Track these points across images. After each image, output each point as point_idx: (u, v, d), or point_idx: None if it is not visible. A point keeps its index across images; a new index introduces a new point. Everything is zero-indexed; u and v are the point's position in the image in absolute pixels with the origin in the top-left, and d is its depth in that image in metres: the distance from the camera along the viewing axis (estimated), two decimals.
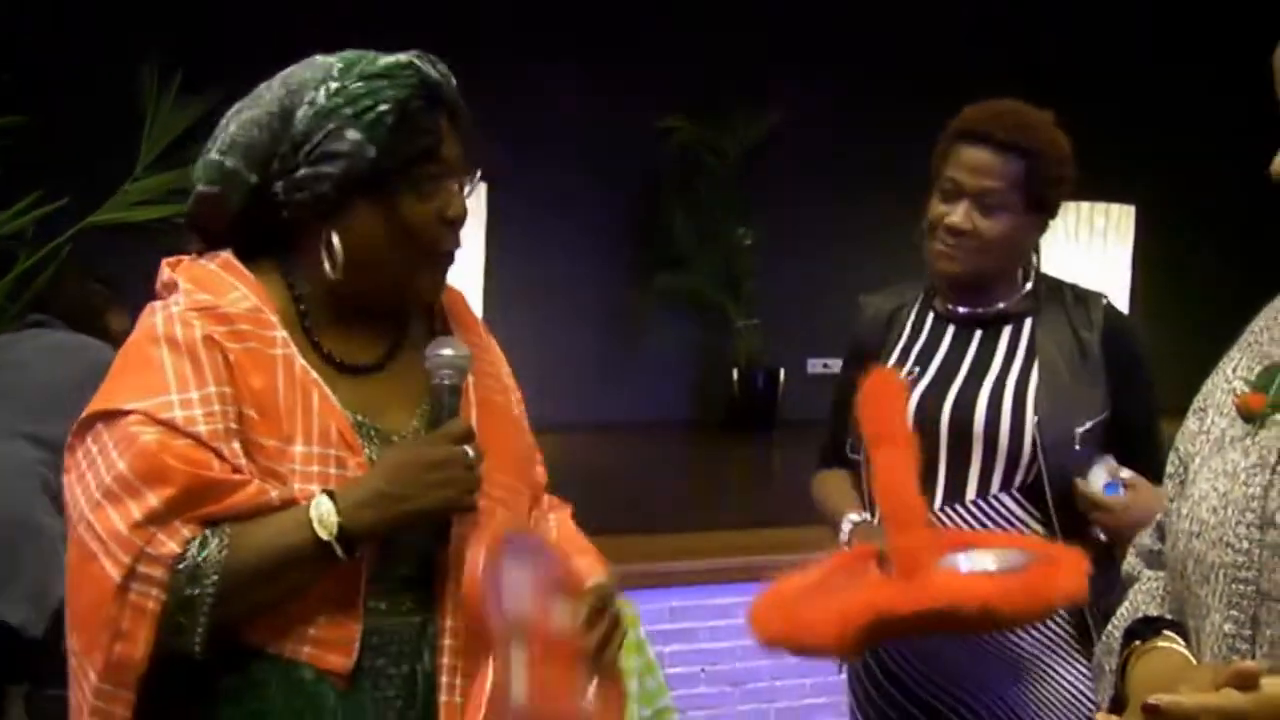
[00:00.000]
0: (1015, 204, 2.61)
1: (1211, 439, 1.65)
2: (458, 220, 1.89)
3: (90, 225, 4.46)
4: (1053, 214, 2.70)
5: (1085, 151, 2.67)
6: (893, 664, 2.68)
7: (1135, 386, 2.69)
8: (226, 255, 1.90)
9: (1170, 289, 6.36)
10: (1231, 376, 1.66)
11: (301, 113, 1.82)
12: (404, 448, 1.84)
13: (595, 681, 1.90)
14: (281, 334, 1.84)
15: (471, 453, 1.81)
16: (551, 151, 5.69)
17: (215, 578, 1.70)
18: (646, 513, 4.66)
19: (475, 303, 4.07)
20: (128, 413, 1.74)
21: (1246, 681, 1.35)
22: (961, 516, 2.65)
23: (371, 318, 1.92)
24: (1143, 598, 1.78)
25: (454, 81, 1.90)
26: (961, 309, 2.74)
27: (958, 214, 2.63)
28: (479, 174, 1.94)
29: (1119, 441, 2.66)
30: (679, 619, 4.36)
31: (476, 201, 4.31)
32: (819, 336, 5.58)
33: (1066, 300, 2.74)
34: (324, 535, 1.73)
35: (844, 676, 2.86)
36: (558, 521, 2.15)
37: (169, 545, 1.70)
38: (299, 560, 1.73)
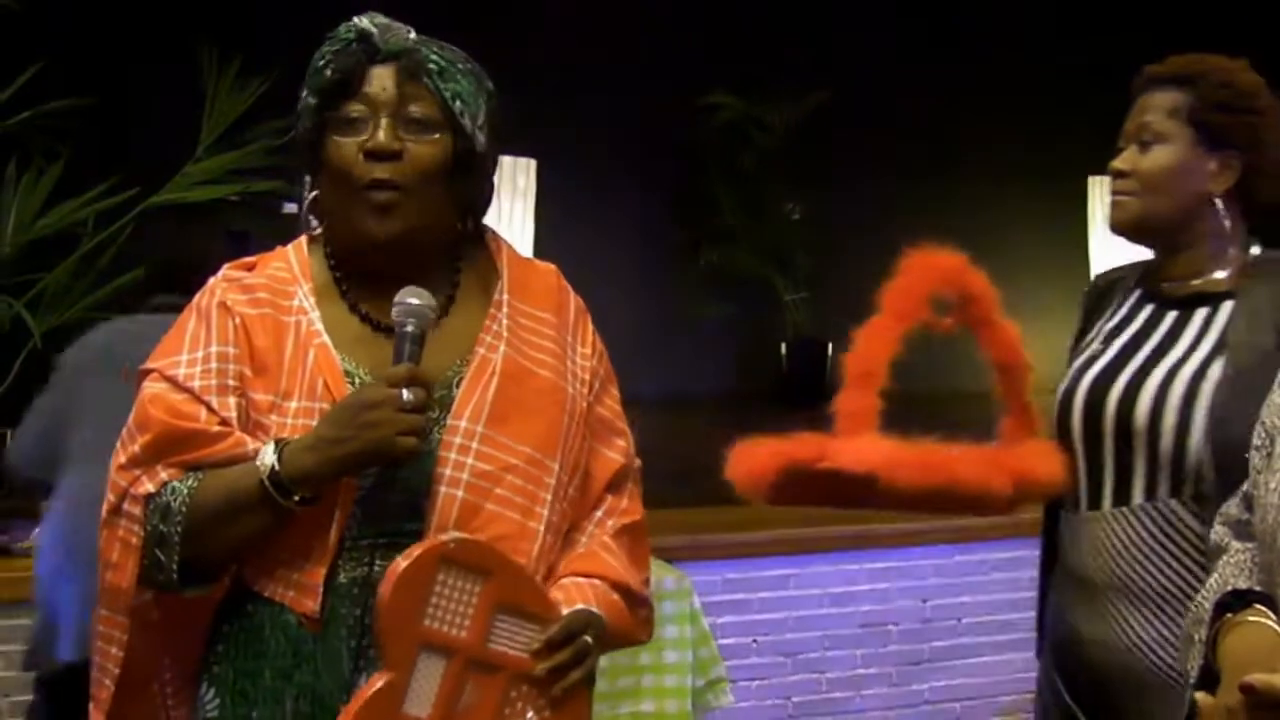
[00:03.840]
0: (1177, 133, 2.37)
1: None
2: (375, 151, 1.91)
3: (151, 206, 4.51)
4: (1233, 148, 2.36)
5: None
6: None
7: None
8: (306, 234, 2.07)
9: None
10: None
11: None
12: (352, 392, 1.88)
13: (543, 710, 1.87)
14: (301, 301, 1.97)
15: (409, 395, 1.82)
16: (597, 129, 5.72)
17: (180, 517, 1.84)
18: (697, 487, 4.69)
19: None
20: (150, 371, 1.96)
21: None
22: (1128, 521, 2.38)
23: (405, 277, 1.93)
24: (1231, 570, 1.76)
25: (404, 32, 1.97)
26: (1165, 284, 2.45)
27: (1121, 157, 2.43)
28: (476, 136, 1.96)
29: None
30: (732, 590, 4.41)
31: (525, 180, 4.37)
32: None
33: (1275, 274, 2.36)
34: (263, 477, 1.82)
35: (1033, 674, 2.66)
36: (598, 528, 2.09)
37: (146, 486, 1.88)
38: (249, 504, 1.83)
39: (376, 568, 1.86)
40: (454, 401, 1.94)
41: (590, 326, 2.15)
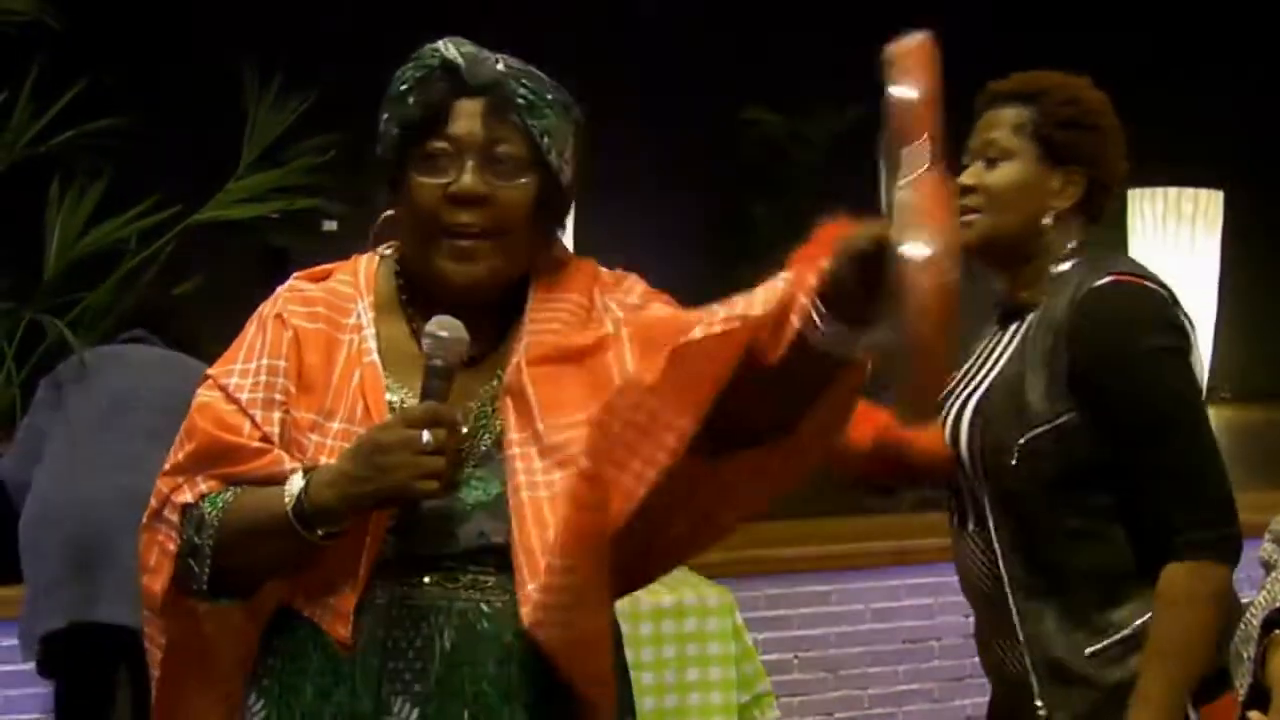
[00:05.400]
0: (1022, 150, 2.36)
1: None
2: (460, 196, 1.83)
3: (193, 224, 4.53)
4: (1077, 164, 2.36)
5: (1171, 135, 2.58)
6: None
7: (1105, 391, 2.25)
8: (381, 248, 2.02)
9: (1263, 278, 6.30)
10: None
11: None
12: (371, 429, 1.82)
13: None
14: (359, 317, 1.93)
15: (428, 437, 1.74)
16: (635, 146, 5.73)
17: (213, 531, 1.83)
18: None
19: None
20: (209, 376, 1.94)
21: None
22: (969, 546, 2.41)
23: (474, 307, 1.87)
24: None
25: (491, 63, 1.88)
26: (1007, 302, 2.45)
27: (966, 173, 2.41)
28: (562, 175, 1.89)
29: (1089, 466, 2.26)
30: (774, 606, 4.40)
31: None
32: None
33: (1072, 284, 2.33)
34: (288, 510, 1.77)
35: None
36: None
37: (186, 495, 1.87)
38: (275, 530, 1.79)
39: (412, 587, 1.83)
40: (494, 425, 1.88)
41: (628, 284, 2.02)
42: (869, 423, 2.38)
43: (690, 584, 3.90)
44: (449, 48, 1.89)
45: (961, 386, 2.44)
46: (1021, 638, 2.32)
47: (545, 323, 1.94)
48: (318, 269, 2.03)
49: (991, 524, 2.34)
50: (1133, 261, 2.41)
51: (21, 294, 4.28)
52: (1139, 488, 2.22)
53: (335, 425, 1.87)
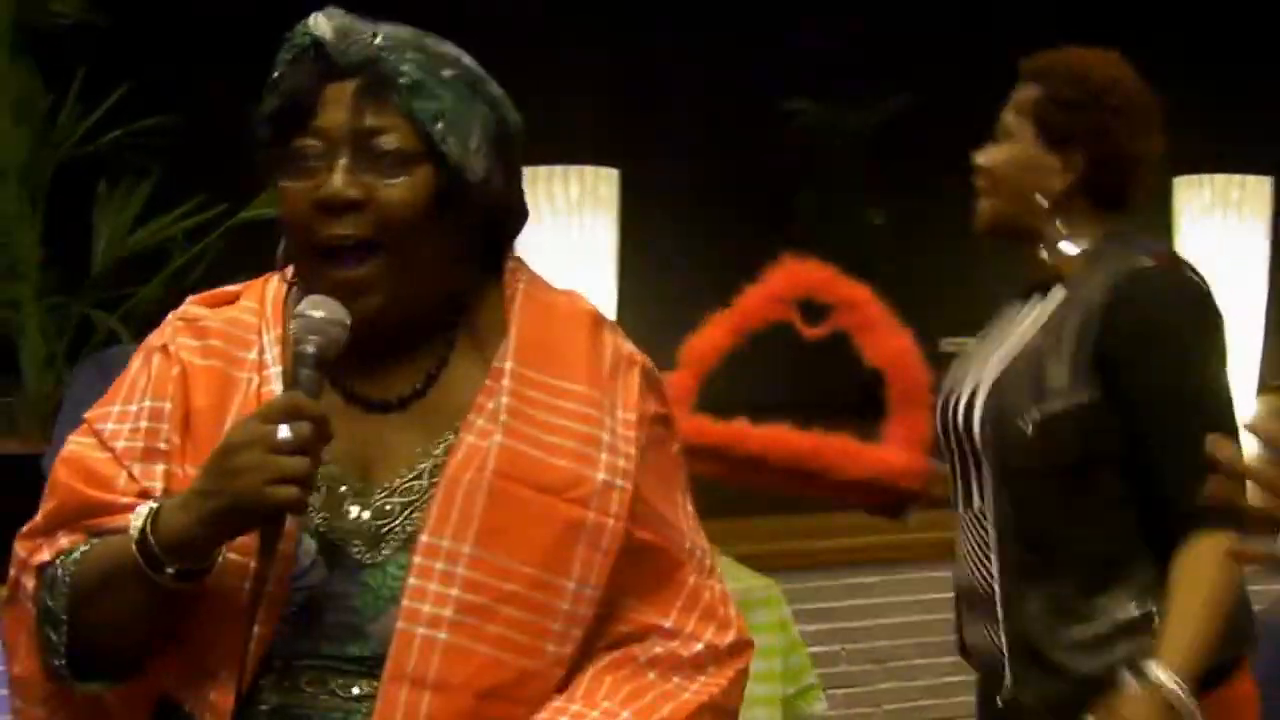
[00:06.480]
0: (1021, 130, 2.35)
1: None
2: (327, 201, 1.49)
3: (240, 221, 4.56)
4: (1076, 144, 2.32)
5: (1220, 120, 2.56)
6: None
7: (1140, 374, 2.21)
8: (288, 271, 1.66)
9: None
10: None
11: None
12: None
13: None
14: (263, 353, 1.59)
15: (286, 432, 1.40)
16: (678, 138, 5.72)
17: (65, 588, 1.51)
18: (784, 495, 4.69)
19: (607, 296, 4.08)
20: (84, 421, 1.63)
21: None
22: (967, 527, 2.41)
23: (393, 344, 1.57)
24: None
25: (368, 37, 1.53)
26: (1023, 281, 2.44)
27: (978, 152, 2.42)
28: (464, 164, 1.53)
29: (1101, 452, 2.24)
30: (821, 598, 4.39)
31: (608, 191, 4.33)
32: (951, 315, 5.55)
33: (1106, 264, 2.29)
34: (131, 542, 1.46)
35: None
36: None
37: (43, 555, 1.55)
38: (125, 575, 1.46)
39: (305, 695, 1.51)
40: (428, 503, 1.51)
41: (635, 379, 1.63)
42: (859, 459, 2.53)
43: (736, 576, 3.89)
44: (318, 21, 1.53)
45: (976, 361, 2.43)
46: (1001, 618, 2.32)
47: (536, 409, 1.56)
48: (221, 291, 1.69)
49: (991, 502, 2.33)
50: (1165, 245, 2.42)
51: (70, 290, 4.32)
52: (1159, 464, 2.21)
53: None
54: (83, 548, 1.53)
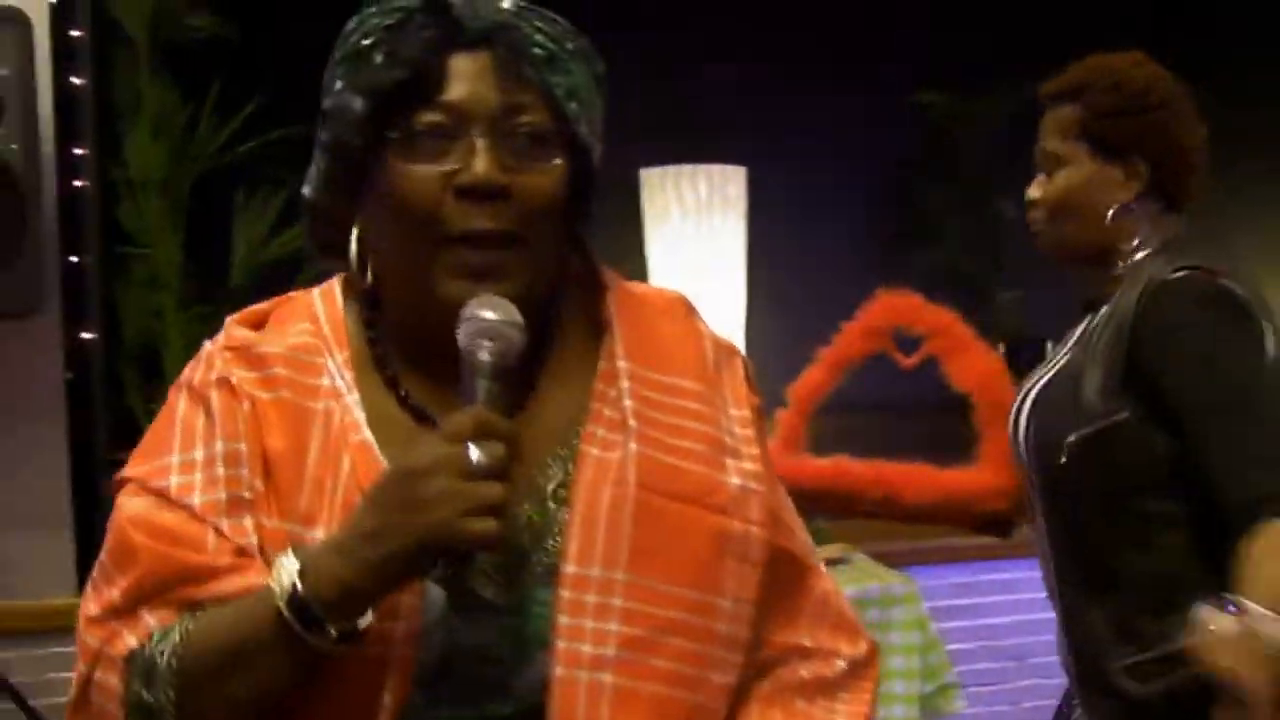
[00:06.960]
0: (1075, 153, 2.31)
1: None
2: (474, 187, 1.32)
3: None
4: (1134, 152, 2.29)
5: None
6: None
7: (1171, 379, 2.16)
8: (336, 278, 1.53)
9: None
10: None
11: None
12: (395, 462, 1.30)
13: None
14: (333, 381, 1.40)
15: (478, 455, 1.20)
16: (807, 132, 5.69)
17: (172, 677, 1.30)
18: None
19: (736, 294, 4.06)
20: (126, 480, 1.42)
21: None
22: (1038, 540, 2.43)
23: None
24: None
25: (501, 3, 1.36)
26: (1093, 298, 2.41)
27: (1033, 184, 2.39)
28: (590, 147, 1.39)
29: (1140, 469, 2.20)
30: (959, 595, 4.35)
31: (736, 189, 4.30)
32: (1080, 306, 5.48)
33: (1143, 277, 2.24)
34: (279, 601, 1.25)
35: None
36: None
37: (128, 641, 1.33)
38: (261, 647, 1.26)
39: None
40: (559, 529, 1.35)
41: (739, 370, 1.52)
42: (945, 486, 2.65)
43: (874, 574, 3.88)
44: None
45: (1032, 380, 2.43)
46: (1067, 633, 2.29)
47: (660, 412, 1.40)
48: (254, 308, 1.54)
49: (1043, 520, 2.29)
50: (1208, 253, 2.32)
51: (211, 300, 4.41)
52: (1208, 466, 2.11)
53: (318, 532, 1.34)
54: (184, 626, 1.31)
